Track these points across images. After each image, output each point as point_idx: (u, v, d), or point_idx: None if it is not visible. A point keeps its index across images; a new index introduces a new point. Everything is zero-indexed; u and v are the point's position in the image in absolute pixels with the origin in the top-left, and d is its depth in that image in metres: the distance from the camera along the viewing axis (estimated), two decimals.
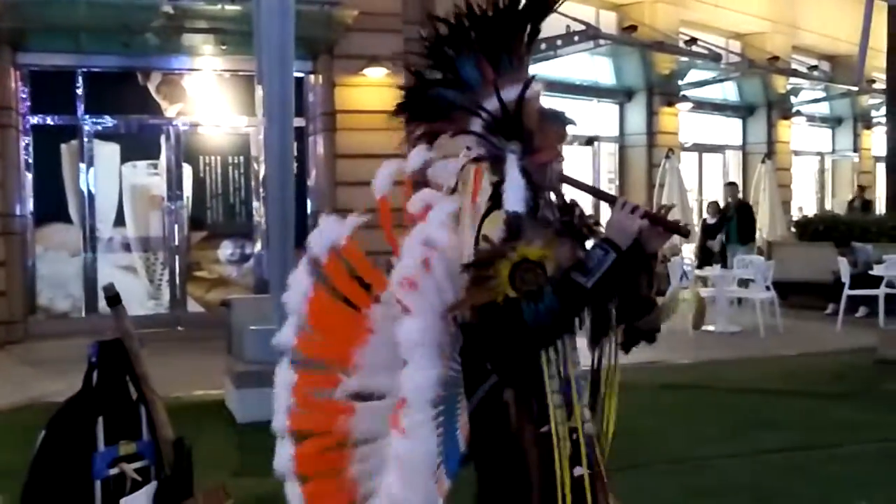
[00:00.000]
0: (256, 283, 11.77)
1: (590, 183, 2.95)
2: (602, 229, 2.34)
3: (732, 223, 13.59)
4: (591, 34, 13.87)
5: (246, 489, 4.42)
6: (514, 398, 2.26)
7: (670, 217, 2.36)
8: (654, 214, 2.30)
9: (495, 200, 2.31)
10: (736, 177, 19.47)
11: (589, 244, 2.32)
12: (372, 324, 2.57)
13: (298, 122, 9.92)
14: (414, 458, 2.22)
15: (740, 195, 14.77)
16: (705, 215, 14.63)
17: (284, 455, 2.68)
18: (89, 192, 11.20)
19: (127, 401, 3.32)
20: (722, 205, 14.27)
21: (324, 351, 2.68)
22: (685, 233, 2.38)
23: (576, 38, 12.97)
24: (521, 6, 2.34)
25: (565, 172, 2.38)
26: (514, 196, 2.23)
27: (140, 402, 3.32)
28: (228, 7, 10.77)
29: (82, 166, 11.16)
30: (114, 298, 3.31)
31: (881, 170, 21.11)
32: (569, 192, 2.44)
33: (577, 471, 2.25)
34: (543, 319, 2.12)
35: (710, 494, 4.91)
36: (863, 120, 22.55)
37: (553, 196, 2.38)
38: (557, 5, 2.40)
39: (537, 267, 2.13)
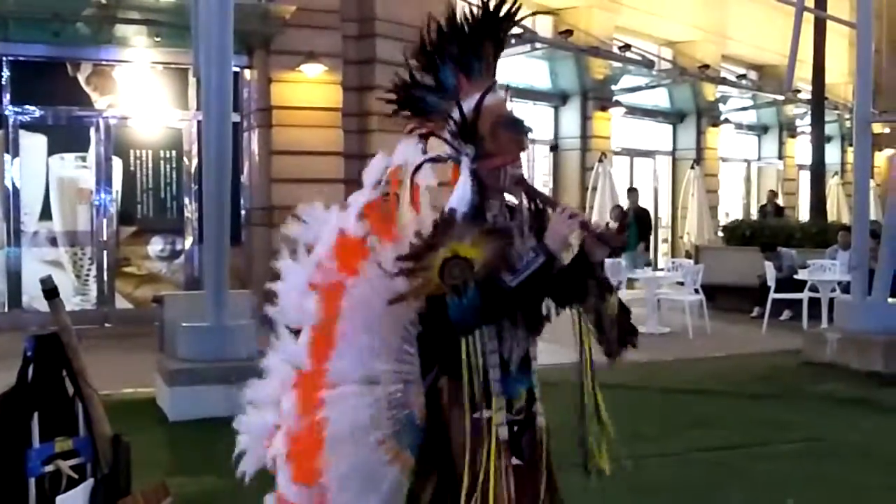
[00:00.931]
0: (187, 279, 11.59)
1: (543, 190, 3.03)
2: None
3: (632, 228, 13.79)
4: (527, 38, 14.00)
5: (180, 487, 4.35)
6: (447, 384, 2.41)
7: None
8: (587, 224, 2.37)
9: None
10: (666, 182, 19.88)
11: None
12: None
13: (233, 117, 9.79)
14: (336, 427, 2.38)
15: (640, 202, 14.96)
16: (608, 219, 14.83)
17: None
18: (14, 184, 10.89)
19: (63, 396, 3.23)
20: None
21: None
22: (618, 243, 2.48)
23: (513, 41, 13.07)
24: (490, 18, 2.48)
25: (524, 177, 2.46)
26: (457, 195, 2.37)
27: (77, 397, 3.24)
28: None
29: (7, 157, 10.85)
30: (51, 291, 3.22)
31: (804, 177, 21.73)
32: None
33: (514, 460, 2.38)
34: (465, 314, 2.24)
35: (647, 492, 4.97)
36: (788, 128, 23.20)
37: (510, 198, 2.47)
38: (522, 18, 2.55)
39: (466, 263, 2.23)
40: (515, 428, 2.41)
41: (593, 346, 2.51)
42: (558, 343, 2.82)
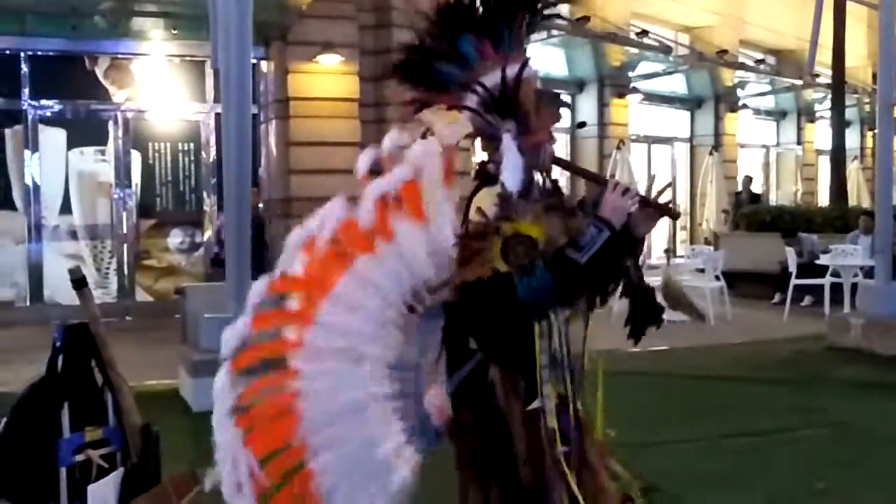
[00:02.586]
0: (207, 271, 11.61)
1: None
2: (580, 213, 2.36)
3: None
4: (544, 25, 13.91)
5: (205, 477, 4.36)
6: (500, 376, 2.26)
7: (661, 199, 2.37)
8: (646, 197, 2.31)
9: (483, 178, 2.31)
10: (684, 168, 19.76)
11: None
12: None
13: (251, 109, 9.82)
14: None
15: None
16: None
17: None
18: (34, 179, 10.95)
19: (93, 386, 3.25)
20: None
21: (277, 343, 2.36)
22: (676, 215, 2.42)
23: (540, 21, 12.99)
24: None
25: (557, 155, 2.40)
26: (512, 174, 2.26)
27: (106, 387, 3.25)
28: None
29: (27, 152, 10.92)
30: (80, 281, 3.23)
31: (823, 162, 21.57)
32: (558, 174, 2.46)
33: (564, 449, 2.27)
34: (536, 294, 2.13)
35: (669, 479, 4.95)
36: (806, 114, 23.00)
37: (541, 177, 2.39)
38: None
39: (529, 240, 2.14)
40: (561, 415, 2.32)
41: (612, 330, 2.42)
42: None
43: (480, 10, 2.37)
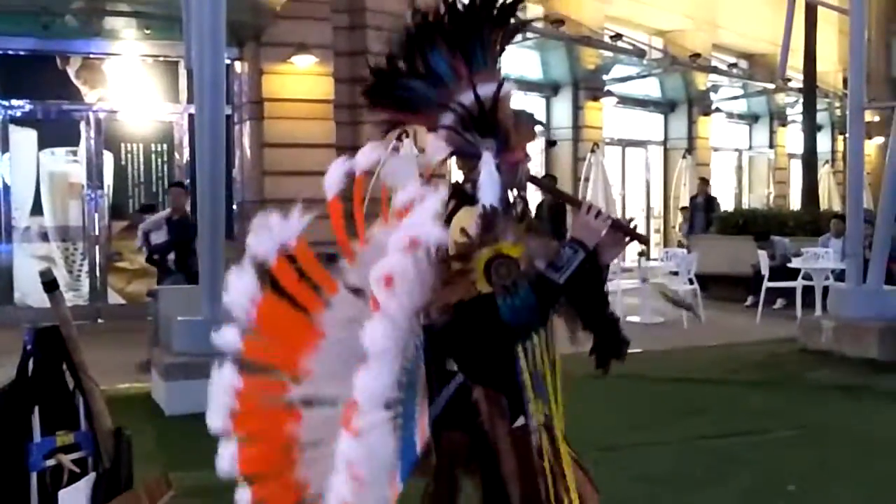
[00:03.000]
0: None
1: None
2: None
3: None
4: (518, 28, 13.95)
5: (178, 481, 4.33)
6: (483, 396, 2.26)
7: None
8: (619, 221, 2.35)
9: (460, 197, 2.31)
10: (658, 171, 19.90)
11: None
12: (322, 328, 2.37)
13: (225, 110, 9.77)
14: (367, 462, 2.01)
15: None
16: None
17: (227, 456, 2.44)
18: (4, 179, 10.85)
19: (64, 390, 3.21)
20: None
21: (271, 356, 2.43)
22: (645, 241, 2.48)
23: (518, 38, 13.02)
24: (499, 4, 2.36)
25: (531, 173, 2.43)
26: (491, 191, 2.25)
27: (77, 391, 3.21)
28: None
29: None
30: (51, 284, 3.19)
31: (795, 166, 21.78)
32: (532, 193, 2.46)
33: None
34: (520, 314, 2.14)
35: (646, 481, 5.00)
36: (778, 117, 23.24)
37: (516, 196, 2.40)
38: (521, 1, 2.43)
39: (512, 261, 2.14)
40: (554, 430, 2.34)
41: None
42: None
43: (450, 26, 2.34)
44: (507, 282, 2.12)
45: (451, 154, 2.35)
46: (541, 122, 2.43)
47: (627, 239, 2.40)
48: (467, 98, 2.30)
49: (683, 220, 16.49)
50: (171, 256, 8.59)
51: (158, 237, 8.68)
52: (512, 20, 2.42)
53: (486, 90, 2.30)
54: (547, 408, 2.29)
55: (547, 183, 2.44)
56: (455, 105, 2.31)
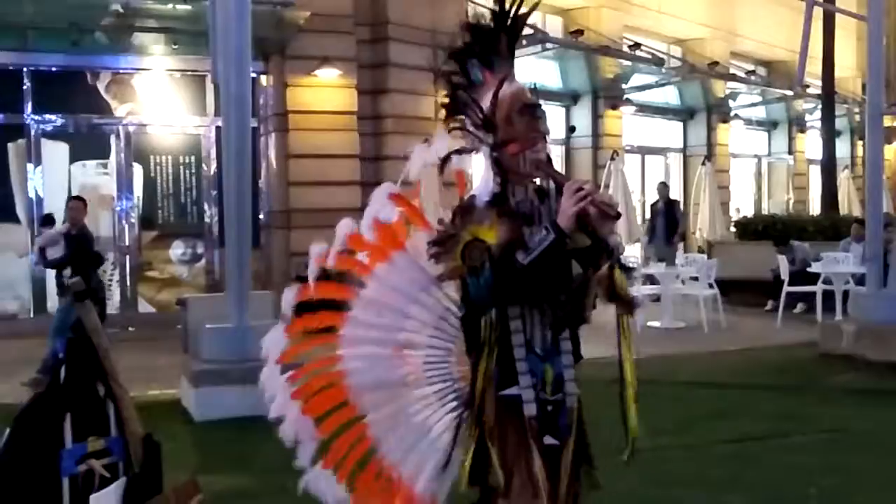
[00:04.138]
0: (208, 282, 11.72)
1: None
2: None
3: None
4: (538, 38, 14.09)
5: (207, 485, 4.42)
6: (474, 362, 2.52)
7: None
8: (588, 195, 2.37)
9: None
10: (677, 178, 19.89)
11: None
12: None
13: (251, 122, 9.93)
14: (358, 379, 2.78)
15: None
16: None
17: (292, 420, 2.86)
18: (37, 192, 11.05)
19: (95, 397, 3.20)
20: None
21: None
22: (614, 214, 2.43)
23: (523, 41, 13.15)
24: (504, 15, 2.61)
25: (545, 161, 2.55)
26: (484, 183, 2.50)
27: (108, 398, 3.25)
28: (180, 6, 10.72)
29: (30, 166, 11.02)
30: (81, 294, 3.28)
31: (815, 172, 21.71)
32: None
33: (547, 440, 2.47)
34: (480, 292, 2.38)
35: (666, 485, 5.01)
36: (797, 124, 23.15)
37: (525, 185, 2.56)
38: (530, 12, 2.66)
39: (483, 245, 2.38)
40: (550, 408, 2.49)
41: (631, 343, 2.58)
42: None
43: (479, 46, 2.61)
44: (475, 262, 2.36)
45: (457, 151, 2.59)
46: (541, 113, 2.55)
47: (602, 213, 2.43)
48: (483, 101, 2.55)
49: (645, 230, 15.41)
50: (67, 272, 8.01)
51: (55, 252, 8.25)
52: (517, 28, 2.65)
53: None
54: (540, 381, 2.48)
55: (548, 169, 2.56)
56: (472, 108, 2.57)
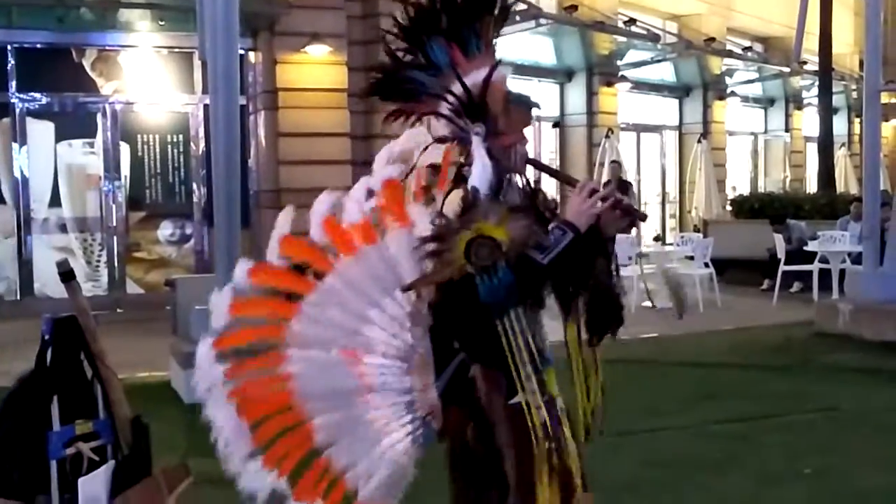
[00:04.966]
0: (197, 263, 11.63)
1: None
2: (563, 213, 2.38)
3: None
4: (532, 14, 13.93)
5: (196, 469, 4.38)
6: (480, 372, 2.29)
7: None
8: (617, 200, 2.32)
9: (457, 181, 2.34)
10: (672, 156, 19.82)
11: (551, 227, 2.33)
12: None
13: (239, 100, 9.80)
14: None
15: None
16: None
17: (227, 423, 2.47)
18: (23, 171, 10.92)
19: (82, 379, 3.21)
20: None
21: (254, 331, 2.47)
22: (642, 217, 2.43)
23: (517, 17, 13.01)
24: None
25: (530, 155, 2.42)
26: (479, 175, 2.28)
27: (96, 379, 3.23)
28: None
29: (15, 145, 10.88)
30: (67, 274, 3.21)
31: (811, 149, 21.66)
32: (533, 176, 2.50)
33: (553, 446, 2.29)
34: (498, 294, 2.15)
35: (662, 465, 5.02)
36: (794, 101, 23.08)
37: (518, 179, 2.41)
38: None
39: (492, 242, 2.16)
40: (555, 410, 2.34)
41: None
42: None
43: (445, 17, 2.38)
44: (486, 262, 2.14)
45: (446, 139, 2.39)
46: (535, 105, 2.42)
47: (625, 217, 2.37)
48: (458, 86, 2.34)
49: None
50: None
51: None
52: (499, 4, 2.43)
53: (477, 76, 2.34)
54: (545, 387, 2.29)
55: (544, 165, 2.45)
56: (446, 93, 2.36)
